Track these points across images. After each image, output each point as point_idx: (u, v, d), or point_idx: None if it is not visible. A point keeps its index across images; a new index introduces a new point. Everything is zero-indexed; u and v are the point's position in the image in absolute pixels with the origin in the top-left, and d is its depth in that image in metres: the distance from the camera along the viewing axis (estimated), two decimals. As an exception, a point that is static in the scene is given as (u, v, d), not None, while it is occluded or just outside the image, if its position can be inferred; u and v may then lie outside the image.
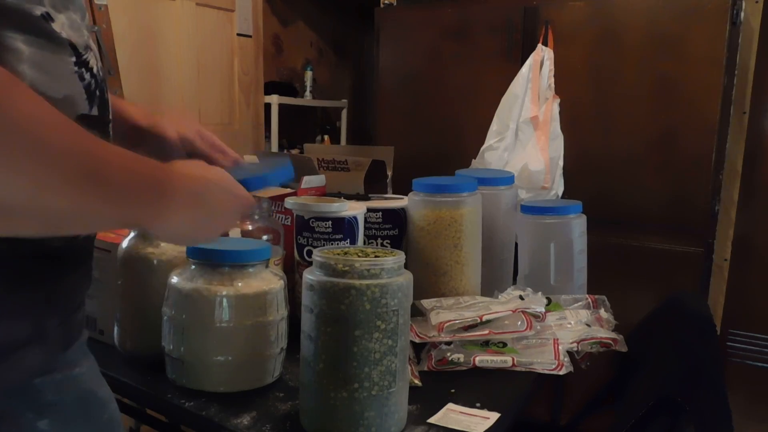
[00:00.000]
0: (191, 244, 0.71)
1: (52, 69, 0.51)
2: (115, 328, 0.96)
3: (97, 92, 0.56)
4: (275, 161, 0.86)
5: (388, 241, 1.16)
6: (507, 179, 1.28)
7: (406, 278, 0.74)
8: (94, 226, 0.54)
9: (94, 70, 0.55)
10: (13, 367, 0.49)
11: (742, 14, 1.93)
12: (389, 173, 1.35)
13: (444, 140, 2.31)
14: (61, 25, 0.51)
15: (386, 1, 2.52)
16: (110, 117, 0.59)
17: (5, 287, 0.49)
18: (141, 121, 0.82)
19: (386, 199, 1.23)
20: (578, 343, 1.00)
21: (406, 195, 1.19)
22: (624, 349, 1.03)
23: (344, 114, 3.64)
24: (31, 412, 0.51)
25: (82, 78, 0.53)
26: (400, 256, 0.73)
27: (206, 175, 0.60)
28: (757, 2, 1.94)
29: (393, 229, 1.16)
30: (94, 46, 0.56)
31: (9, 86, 0.40)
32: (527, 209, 1.29)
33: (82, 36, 0.54)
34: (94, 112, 0.55)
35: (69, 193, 0.43)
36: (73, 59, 0.53)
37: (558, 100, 2.01)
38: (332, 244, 1.02)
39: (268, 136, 3.06)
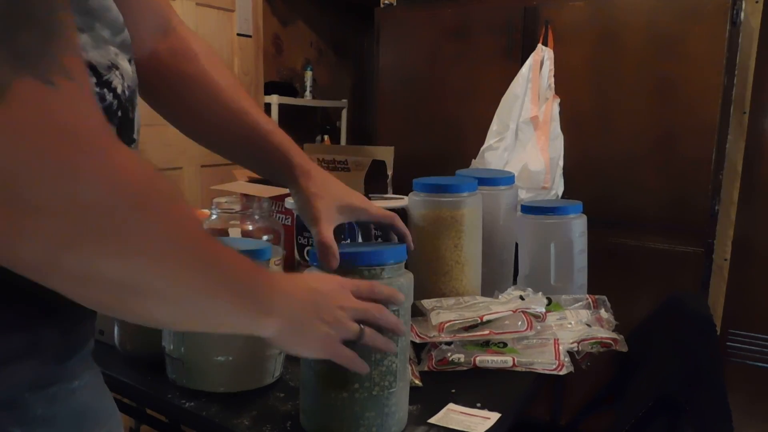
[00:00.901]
0: (304, 352, 0.68)
1: None
2: (115, 328, 0.96)
3: (119, 113, 0.54)
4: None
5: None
6: (507, 179, 1.28)
7: (407, 278, 0.74)
8: (213, 318, 0.54)
9: (119, 90, 0.53)
10: (4, 381, 0.47)
11: (742, 14, 1.93)
12: (389, 173, 1.35)
13: (444, 140, 2.32)
14: (81, 45, 0.49)
15: (386, 1, 2.52)
16: (135, 137, 0.57)
17: (1, 300, 0.47)
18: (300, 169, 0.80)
19: (386, 199, 1.23)
20: (578, 343, 1.00)
21: (406, 195, 1.19)
22: (624, 349, 1.03)
23: (344, 114, 3.64)
24: (18, 427, 0.48)
25: (102, 99, 0.51)
26: (400, 251, 0.74)
27: (317, 286, 0.62)
28: (757, 2, 1.94)
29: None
30: (123, 65, 0.54)
31: (166, 195, 0.41)
32: (527, 209, 1.29)
33: (108, 54, 0.52)
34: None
35: (198, 280, 0.46)
36: (94, 80, 0.51)
37: (558, 100, 2.01)
38: (332, 244, 1.02)
39: (268, 136, 3.06)
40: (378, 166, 1.31)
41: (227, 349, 0.82)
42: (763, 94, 1.99)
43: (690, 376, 1.06)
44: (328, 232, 0.75)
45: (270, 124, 0.78)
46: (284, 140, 0.78)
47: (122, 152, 0.38)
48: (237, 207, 1.19)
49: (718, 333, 1.96)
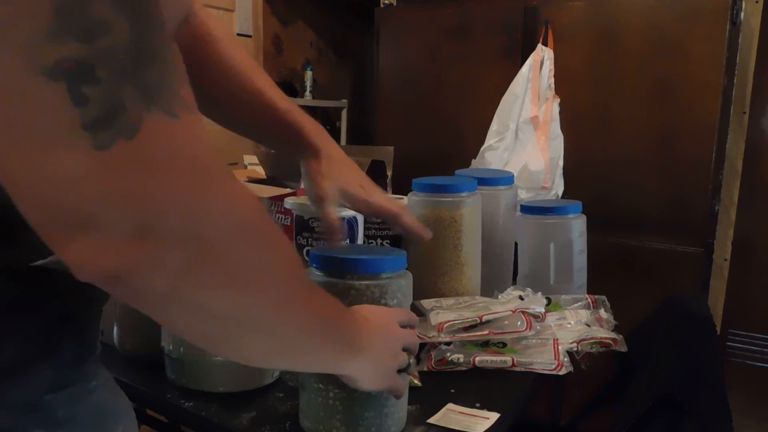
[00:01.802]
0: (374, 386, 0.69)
1: None
2: (115, 328, 0.96)
3: None
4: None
5: (388, 242, 1.16)
6: (507, 179, 1.28)
7: (406, 278, 0.74)
8: (306, 356, 0.54)
9: None
10: (25, 385, 0.48)
11: (742, 14, 1.93)
12: (389, 173, 1.35)
13: (444, 140, 2.31)
14: None
15: (386, 1, 2.52)
16: None
17: (18, 304, 0.47)
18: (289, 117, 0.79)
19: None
20: (578, 343, 1.00)
21: (406, 195, 1.19)
22: (624, 349, 1.03)
23: (344, 114, 3.64)
24: (40, 429, 0.49)
25: None
26: (398, 261, 0.73)
27: (379, 321, 0.63)
28: (757, 2, 1.94)
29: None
30: None
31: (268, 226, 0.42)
32: (527, 209, 1.29)
33: None
34: None
35: (301, 315, 0.46)
36: None
37: (558, 100, 2.01)
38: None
39: (268, 136, 3.06)
40: (378, 166, 1.31)
41: (227, 349, 0.82)
42: (763, 94, 1.99)
43: (690, 376, 1.06)
44: (331, 211, 0.75)
45: (285, 102, 0.78)
46: (300, 118, 0.78)
47: (238, 184, 0.39)
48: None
49: (718, 333, 1.96)
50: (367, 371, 0.61)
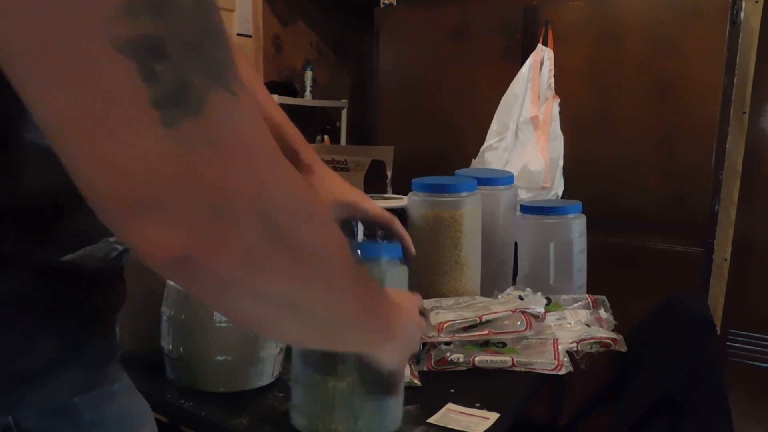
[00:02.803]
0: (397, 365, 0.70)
1: None
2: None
3: None
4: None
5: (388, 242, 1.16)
6: (507, 179, 1.28)
7: (403, 269, 0.73)
8: (347, 338, 0.54)
9: None
10: (54, 386, 0.47)
11: (742, 14, 1.93)
12: (389, 173, 1.35)
13: (444, 140, 2.31)
14: None
15: (386, 1, 2.52)
16: None
17: (50, 304, 0.47)
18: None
19: (386, 198, 1.23)
20: (578, 343, 1.00)
21: (406, 195, 1.19)
22: (624, 349, 1.03)
23: (344, 114, 3.64)
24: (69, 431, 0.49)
25: None
26: (395, 249, 0.73)
27: (406, 305, 0.63)
28: (757, 2, 1.94)
29: (393, 229, 1.16)
30: None
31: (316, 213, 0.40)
32: (527, 209, 1.29)
33: None
34: None
35: (349, 301, 0.46)
36: None
37: (558, 100, 2.01)
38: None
39: (268, 136, 3.07)
40: (378, 165, 1.31)
41: (226, 349, 0.82)
42: (763, 94, 1.99)
43: (690, 376, 1.06)
44: None
45: (280, 116, 0.78)
46: (293, 135, 0.78)
47: (290, 165, 0.38)
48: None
49: (718, 333, 1.96)
50: (395, 353, 0.62)
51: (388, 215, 0.84)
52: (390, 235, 0.87)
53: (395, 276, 0.72)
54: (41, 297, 0.46)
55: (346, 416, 0.70)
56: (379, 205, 1.14)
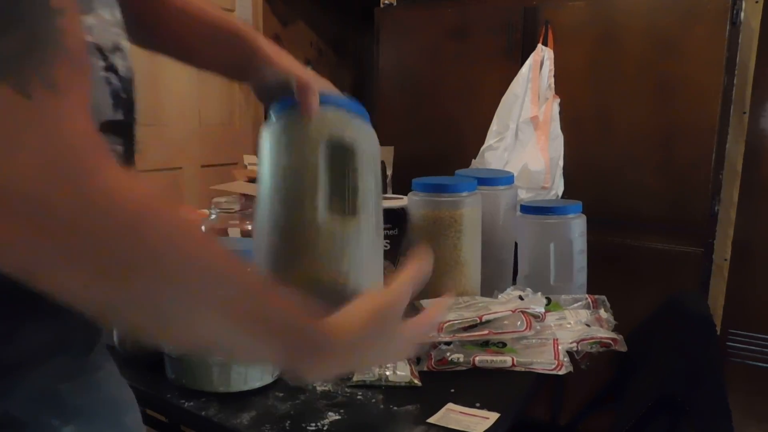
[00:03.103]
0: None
1: None
2: (116, 329, 0.96)
3: (123, 95, 0.52)
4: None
5: (388, 241, 1.16)
6: (507, 179, 1.29)
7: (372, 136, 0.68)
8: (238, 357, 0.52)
9: (121, 71, 0.51)
10: (41, 373, 0.48)
11: (742, 14, 1.93)
12: (389, 173, 1.35)
13: (444, 140, 2.31)
14: (88, 28, 0.47)
15: (386, 1, 2.52)
16: (135, 118, 0.55)
17: (32, 291, 0.46)
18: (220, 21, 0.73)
19: (386, 198, 1.23)
20: (578, 343, 1.00)
21: (406, 195, 1.19)
22: (624, 349, 1.03)
23: (344, 114, 3.64)
24: (56, 419, 0.49)
25: (109, 82, 0.50)
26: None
27: (376, 309, 0.53)
28: (757, 2, 1.94)
29: (393, 229, 1.16)
30: (124, 44, 0.52)
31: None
32: (527, 209, 1.29)
33: (111, 36, 0.50)
34: (119, 116, 0.52)
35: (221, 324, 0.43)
36: (102, 64, 0.49)
37: (558, 100, 2.01)
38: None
39: (268, 136, 3.07)
40: (378, 166, 1.31)
41: (227, 349, 0.82)
42: (763, 94, 1.99)
43: (690, 376, 1.06)
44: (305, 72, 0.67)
45: (222, 12, 0.74)
46: (241, 24, 0.74)
47: (112, 171, 0.36)
48: (236, 207, 1.19)
49: (718, 333, 1.96)
50: (337, 363, 0.54)
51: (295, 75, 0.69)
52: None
53: (370, 145, 0.65)
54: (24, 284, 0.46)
55: (310, 260, 0.59)
56: (379, 205, 1.15)
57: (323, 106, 0.65)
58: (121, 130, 0.52)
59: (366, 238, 0.60)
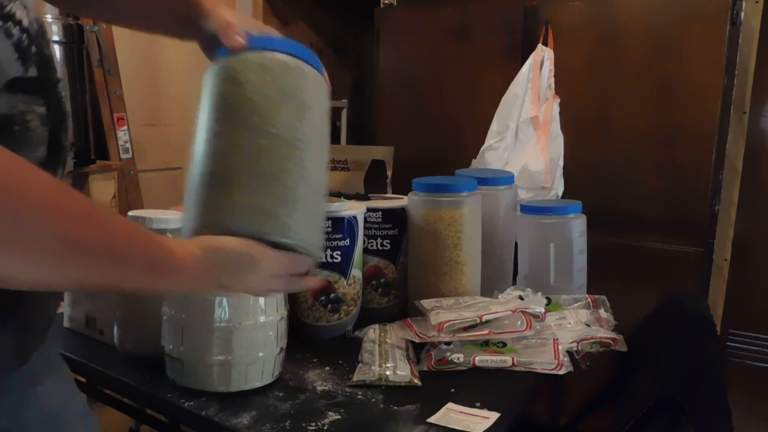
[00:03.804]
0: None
1: None
2: (115, 328, 0.96)
3: (33, 48, 0.47)
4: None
5: (388, 241, 1.16)
6: (507, 179, 1.28)
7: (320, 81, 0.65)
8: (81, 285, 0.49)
9: (24, 22, 0.46)
10: None
11: (742, 14, 1.92)
12: (389, 173, 1.35)
13: (444, 140, 2.31)
14: None
15: (386, 1, 2.52)
16: (57, 76, 0.51)
17: None
18: None
19: (386, 198, 1.23)
20: (578, 342, 1.00)
21: (406, 195, 1.19)
22: (624, 348, 1.03)
23: (344, 114, 3.64)
24: None
25: (9, 34, 0.45)
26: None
27: (221, 244, 0.53)
28: (757, 2, 1.94)
29: (393, 229, 1.16)
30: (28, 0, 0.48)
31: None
32: (527, 209, 1.29)
33: None
34: (32, 73, 0.47)
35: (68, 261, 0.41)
36: None
37: (558, 100, 2.01)
38: (332, 243, 1.02)
39: (268, 136, 3.06)
40: (378, 165, 1.31)
41: (226, 349, 0.82)
42: (763, 94, 1.99)
43: (690, 376, 1.06)
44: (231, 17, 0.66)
45: None
46: None
47: None
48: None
49: (718, 333, 1.96)
50: (187, 285, 0.55)
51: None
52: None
53: (317, 86, 0.63)
54: None
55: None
56: (380, 205, 1.15)
57: (263, 50, 0.62)
58: (37, 88, 0.48)
59: (295, 187, 0.57)
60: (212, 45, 0.65)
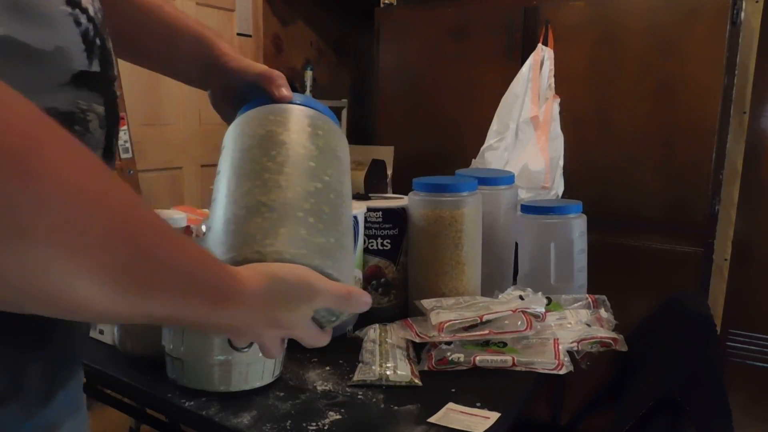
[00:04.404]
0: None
1: (35, 9, 0.38)
2: (115, 328, 0.96)
3: (98, 40, 0.43)
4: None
5: (389, 241, 1.16)
6: (507, 179, 1.28)
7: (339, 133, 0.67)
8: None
9: (90, 11, 0.42)
10: None
11: (742, 14, 1.93)
12: (389, 173, 1.35)
13: (444, 140, 2.31)
14: None
15: (386, 1, 2.52)
16: (116, 73, 0.47)
17: None
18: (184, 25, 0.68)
19: (386, 198, 1.23)
20: (578, 342, 1.00)
21: (406, 195, 1.19)
22: (624, 348, 1.03)
23: (344, 114, 3.64)
24: None
25: (77, 22, 0.41)
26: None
27: (281, 273, 0.48)
28: (757, 2, 1.94)
29: (393, 229, 1.16)
30: None
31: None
32: (527, 209, 1.29)
33: None
34: (95, 67, 0.43)
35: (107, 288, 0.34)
36: None
37: (558, 100, 2.01)
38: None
39: (268, 136, 3.07)
40: (378, 165, 1.31)
41: (227, 349, 0.82)
42: (763, 94, 1.99)
43: (690, 376, 1.06)
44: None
45: (181, 13, 0.69)
46: (203, 29, 0.69)
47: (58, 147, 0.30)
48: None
49: (718, 333, 1.96)
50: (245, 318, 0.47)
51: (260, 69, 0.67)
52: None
53: (341, 143, 0.64)
54: None
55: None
56: (380, 205, 1.15)
57: (305, 106, 0.64)
58: (99, 85, 0.44)
59: (334, 225, 0.57)
60: (233, 97, 0.66)
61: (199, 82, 0.71)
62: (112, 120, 0.46)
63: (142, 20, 0.66)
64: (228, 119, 0.68)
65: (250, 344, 0.55)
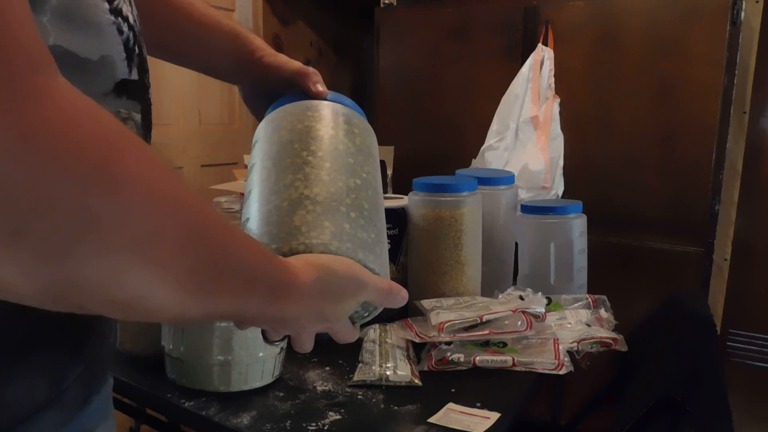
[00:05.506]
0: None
1: (83, 18, 0.38)
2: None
3: (137, 48, 0.43)
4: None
5: (388, 241, 1.16)
6: (507, 179, 1.28)
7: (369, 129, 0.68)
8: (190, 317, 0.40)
9: (130, 20, 0.42)
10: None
11: (742, 14, 1.93)
12: (389, 173, 1.35)
13: (444, 140, 2.31)
14: None
15: (386, 1, 2.52)
16: (149, 81, 0.47)
17: (29, 340, 0.39)
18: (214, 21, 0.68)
19: (386, 198, 1.23)
20: (578, 342, 1.00)
21: (406, 195, 1.19)
22: (624, 348, 1.03)
23: (344, 114, 3.64)
24: None
25: (120, 31, 0.41)
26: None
27: (331, 265, 0.48)
28: (757, 2, 1.94)
29: (393, 229, 1.16)
30: None
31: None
32: (527, 209, 1.29)
33: None
34: (134, 75, 0.43)
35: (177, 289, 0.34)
36: (107, 5, 0.40)
37: (558, 100, 2.01)
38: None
39: (268, 136, 3.07)
40: (378, 165, 1.31)
41: (226, 349, 0.82)
42: (763, 94, 1.99)
43: (690, 376, 1.06)
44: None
45: (211, 9, 0.69)
46: (235, 25, 0.70)
47: (61, 91, 0.28)
48: (237, 206, 1.19)
49: (718, 333, 1.96)
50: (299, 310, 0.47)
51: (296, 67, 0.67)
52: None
53: (373, 139, 0.65)
54: (22, 328, 0.38)
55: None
56: (380, 205, 1.15)
57: (339, 104, 0.66)
58: (137, 93, 0.44)
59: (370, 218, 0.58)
60: (267, 92, 0.67)
61: (230, 76, 0.72)
62: (148, 127, 0.46)
63: (172, 18, 0.67)
64: (258, 113, 0.69)
65: (284, 338, 0.55)
